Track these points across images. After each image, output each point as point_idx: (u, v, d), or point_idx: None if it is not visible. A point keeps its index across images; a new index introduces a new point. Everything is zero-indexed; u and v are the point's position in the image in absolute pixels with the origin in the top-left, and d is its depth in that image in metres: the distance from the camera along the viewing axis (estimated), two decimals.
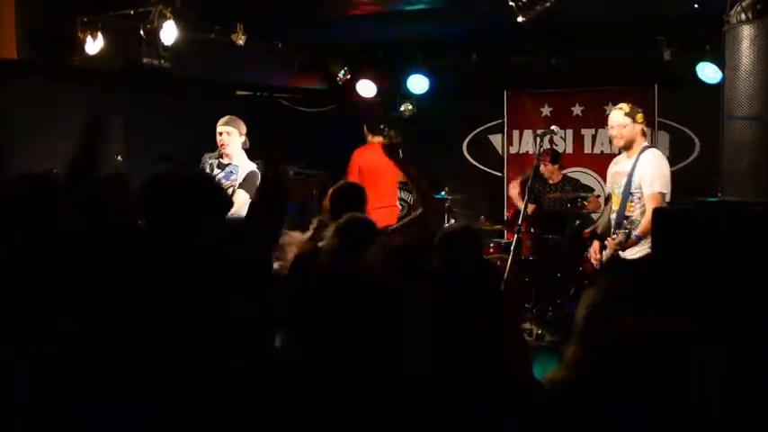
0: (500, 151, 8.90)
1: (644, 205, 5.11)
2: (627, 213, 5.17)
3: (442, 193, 7.84)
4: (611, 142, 5.63)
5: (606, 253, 5.13)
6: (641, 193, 5.13)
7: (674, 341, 1.85)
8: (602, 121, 7.95)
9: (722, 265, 2.96)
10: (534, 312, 7.09)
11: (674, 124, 8.01)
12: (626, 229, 4.99)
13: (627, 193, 5.18)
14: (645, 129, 5.33)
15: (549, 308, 7.11)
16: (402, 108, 8.91)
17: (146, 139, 7.33)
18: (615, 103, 8.09)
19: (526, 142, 8.73)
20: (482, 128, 8.98)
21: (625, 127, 5.25)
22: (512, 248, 5.29)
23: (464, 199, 8.05)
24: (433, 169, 8.84)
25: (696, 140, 7.87)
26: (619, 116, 5.28)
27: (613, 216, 5.29)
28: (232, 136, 5.98)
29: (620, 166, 5.40)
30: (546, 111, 8.39)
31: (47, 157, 6.65)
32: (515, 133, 8.83)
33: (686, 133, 7.94)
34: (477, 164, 9.03)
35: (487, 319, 2.28)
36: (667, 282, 2.80)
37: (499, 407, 2.12)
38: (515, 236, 5.40)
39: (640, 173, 5.16)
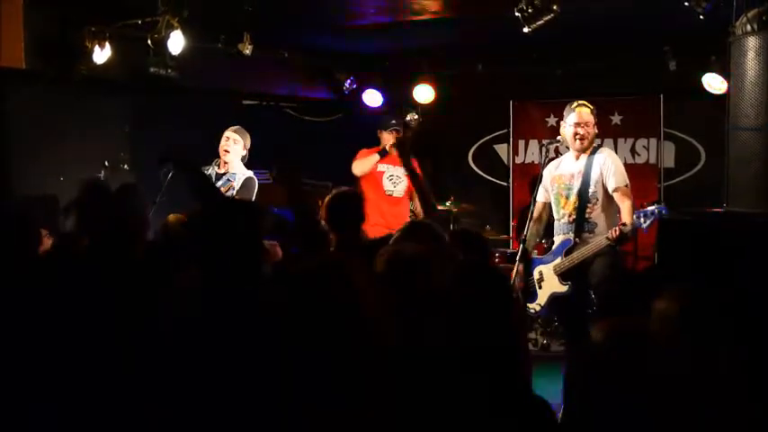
0: (506, 161, 8.90)
1: (602, 206, 5.09)
2: (586, 215, 5.13)
3: (447, 203, 7.84)
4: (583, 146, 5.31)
5: (577, 255, 5.09)
6: (599, 192, 5.10)
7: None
8: (607, 131, 7.97)
9: (726, 275, 2.97)
10: (540, 322, 7.08)
11: (679, 134, 8.01)
12: (617, 227, 4.92)
13: (587, 195, 5.12)
14: (597, 132, 5.33)
15: (555, 318, 7.09)
16: (408, 117, 8.92)
17: (152, 149, 7.35)
18: (621, 114, 8.23)
19: (532, 152, 8.73)
20: (488, 138, 8.98)
21: (593, 125, 5.24)
22: (517, 258, 5.28)
23: (470, 209, 8.05)
24: (439, 179, 8.86)
25: (701, 151, 7.87)
26: (587, 113, 5.24)
27: (564, 220, 5.24)
28: (237, 144, 6.05)
29: (564, 168, 5.33)
30: (552, 121, 8.39)
31: (54, 166, 6.71)
32: (521, 143, 8.83)
33: (692, 144, 7.94)
34: (482, 174, 9.03)
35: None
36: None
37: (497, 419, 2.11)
38: (521, 245, 5.38)
39: (600, 172, 5.12)
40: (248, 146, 6.11)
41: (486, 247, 3.84)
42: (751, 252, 3.02)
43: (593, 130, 5.25)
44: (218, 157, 6.09)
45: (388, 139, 6.60)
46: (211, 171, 6.09)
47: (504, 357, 2.24)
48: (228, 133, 6.06)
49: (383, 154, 6.57)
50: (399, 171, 6.66)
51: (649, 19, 6.64)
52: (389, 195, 6.78)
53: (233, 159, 6.03)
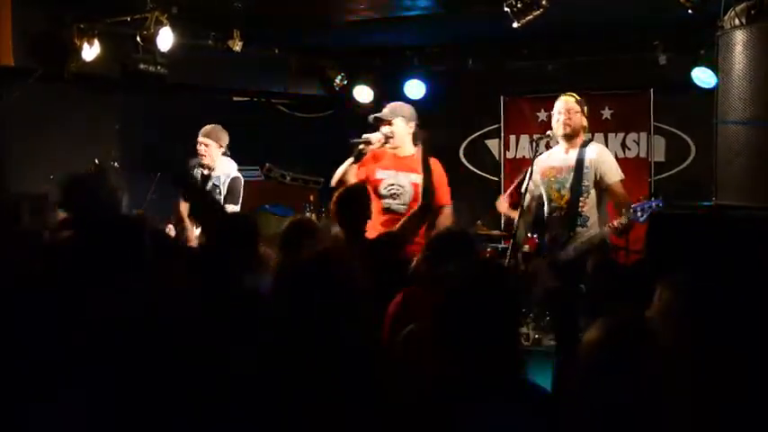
0: (497, 156, 8.91)
1: (594, 199, 5.10)
2: (579, 209, 5.13)
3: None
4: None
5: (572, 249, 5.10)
6: (591, 186, 5.11)
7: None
8: (598, 126, 7.98)
9: (715, 268, 2.97)
10: (531, 316, 7.08)
11: (669, 128, 8.02)
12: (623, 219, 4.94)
13: (579, 188, 5.13)
14: (586, 124, 5.32)
15: (547, 312, 7.09)
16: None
17: (142, 146, 7.34)
18: (612, 108, 8.24)
19: (523, 147, 8.74)
20: (479, 133, 8.99)
21: (576, 113, 5.23)
22: (508, 253, 5.28)
23: (461, 204, 8.04)
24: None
25: (691, 145, 7.88)
26: (570, 101, 5.25)
27: (556, 214, 5.23)
28: (210, 148, 6.05)
29: (554, 162, 5.32)
30: (542, 116, 8.39)
31: (44, 163, 6.68)
32: (512, 138, 8.84)
33: (682, 137, 7.95)
34: (474, 169, 9.04)
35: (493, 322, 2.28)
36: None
37: (494, 410, 2.11)
38: (512, 240, 5.37)
39: (592, 166, 5.12)
40: (225, 142, 6.10)
41: (473, 245, 3.82)
42: (739, 246, 3.03)
43: (578, 119, 5.24)
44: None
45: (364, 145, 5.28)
46: (197, 171, 6.12)
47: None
48: (201, 138, 6.06)
49: (358, 157, 5.22)
50: (403, 179, 5.30)
51: (639, 13, 6.65)
52: (387, 210, 5.28)
53: (212, 162, 6.06)
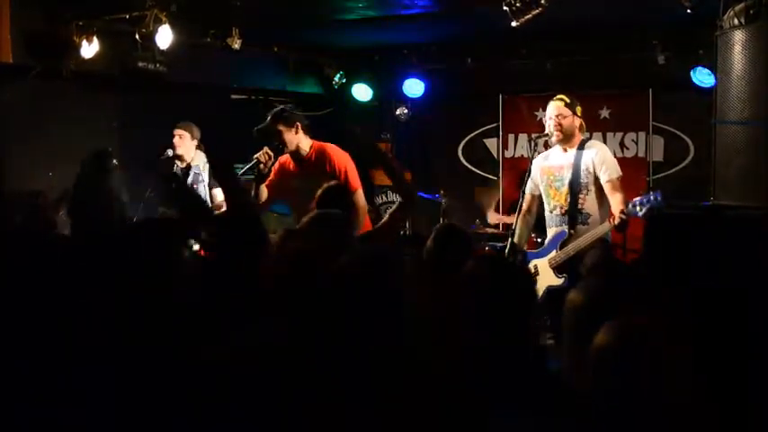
0: (495, 155, 8.91)
1: (594, 196, 5.11)
2: (579, 206, 5.15)
3: (437, 195, 7.85)
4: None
5: (572, 247, 5.11)
6: (590, 183, 5.13)
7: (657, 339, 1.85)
8: (596, 126, 7.99)
9: (714, 268, 2.98)
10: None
11: (668, 128, 8.02)
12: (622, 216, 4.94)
13: (578, 185, 5.14)
14: (583, 124, 5.32)
15: (546, 311, 7.08)
16: (398, 112, 8.93)
17: (141, 144, 7.34)
18: (610, 108, 8.24)
19: (521, 146, 8.74)
20: (477, 132, 8.99)
21: (566, 117, 5.23)
22: (506, 252, 5.29)
23: (459, 202, 8.05)
24: (429, 173, 8.88)
25: (690, 144, 7.88)
26: (559, 106, 5.25)
27: (556, 212, 5.25)
28: (184, 139, 6.43)
29: (553, 161, 5.33)
30: (541, 114, 8.36)
31: (43, 161, 6.68)
32: (510, 137, 8.84)
33: (681, 137, 7.95)
34: (472, 167, 9.04)
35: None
36: (659, 283, 2.82)
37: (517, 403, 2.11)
38: (509, 239, 5.38)
39: (591, 163, 5.13)
40: (197, 135, 6.47)
41: (471, 243, 3.84)
42: (738, 246, 3.04)
43: (568, 122, 5.25)
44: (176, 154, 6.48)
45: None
46: (176, 169, 6.36)
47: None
48: (176, 131, 6.45)
49: (260, 179, 5.32)
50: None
51: (638, 13, 6.65)
52: None
53: (186, 152, 6.43)
